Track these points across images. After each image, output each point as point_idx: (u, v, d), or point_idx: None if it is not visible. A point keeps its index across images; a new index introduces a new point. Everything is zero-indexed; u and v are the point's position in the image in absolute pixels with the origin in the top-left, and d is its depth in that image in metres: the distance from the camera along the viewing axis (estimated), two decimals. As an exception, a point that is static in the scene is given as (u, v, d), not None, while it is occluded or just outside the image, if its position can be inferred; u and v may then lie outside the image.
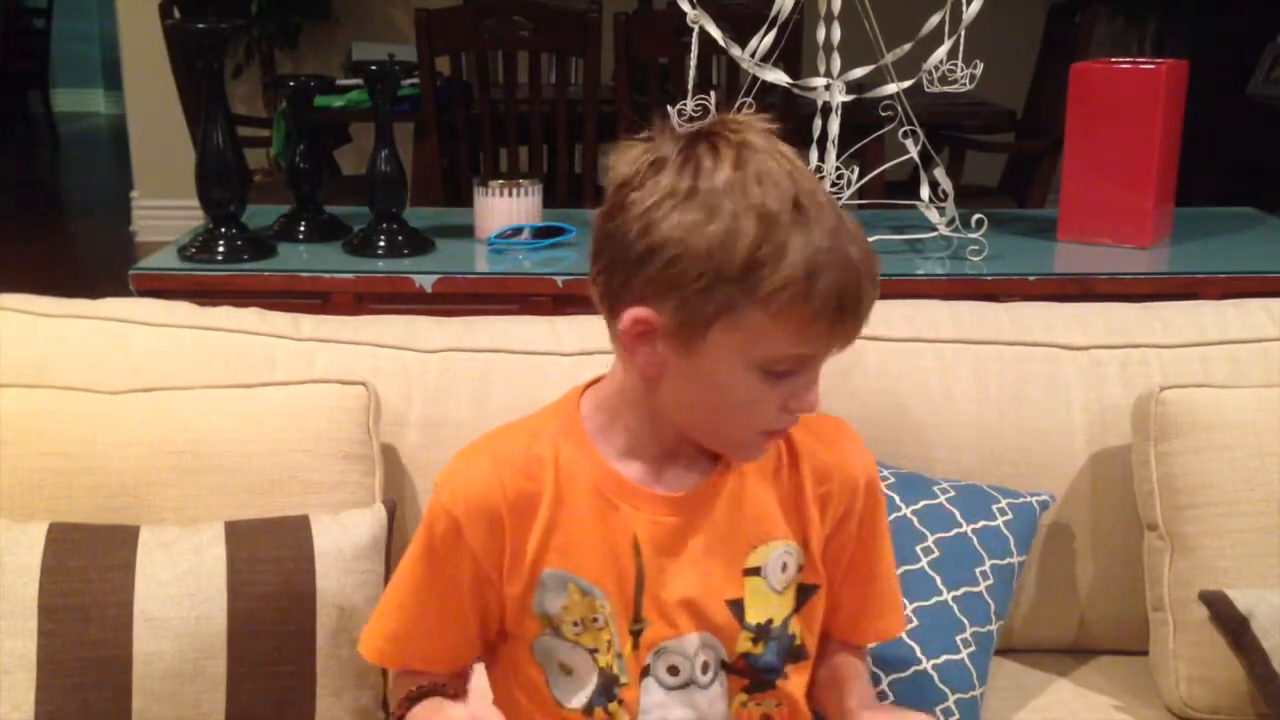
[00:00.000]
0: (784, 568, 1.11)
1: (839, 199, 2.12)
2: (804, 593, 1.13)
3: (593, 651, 1.09)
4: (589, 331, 1.55)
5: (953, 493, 1.48)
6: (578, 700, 1.10)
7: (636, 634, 1.09)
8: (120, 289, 1.90)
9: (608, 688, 1.09)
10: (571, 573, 1.08)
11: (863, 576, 1.18)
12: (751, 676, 1.11)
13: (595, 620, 1.08)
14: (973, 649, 1.40)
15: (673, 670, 1.09)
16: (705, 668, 1.10)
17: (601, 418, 1.10)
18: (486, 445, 1.13)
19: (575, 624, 1.09)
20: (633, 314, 0.99)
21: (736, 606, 1.09)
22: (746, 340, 0.98)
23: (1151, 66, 2.21)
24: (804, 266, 0.95)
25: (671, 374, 1.02)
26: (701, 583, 1.09)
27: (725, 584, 1.09)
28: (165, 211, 5.22)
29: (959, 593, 1.41)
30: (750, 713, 1.12)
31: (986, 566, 1.44)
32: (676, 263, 0.96)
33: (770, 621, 1.10)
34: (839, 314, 0.97)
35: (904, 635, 1.37)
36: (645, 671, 1.09)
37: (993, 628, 1.43)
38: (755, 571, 1.10)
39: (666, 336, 0.99)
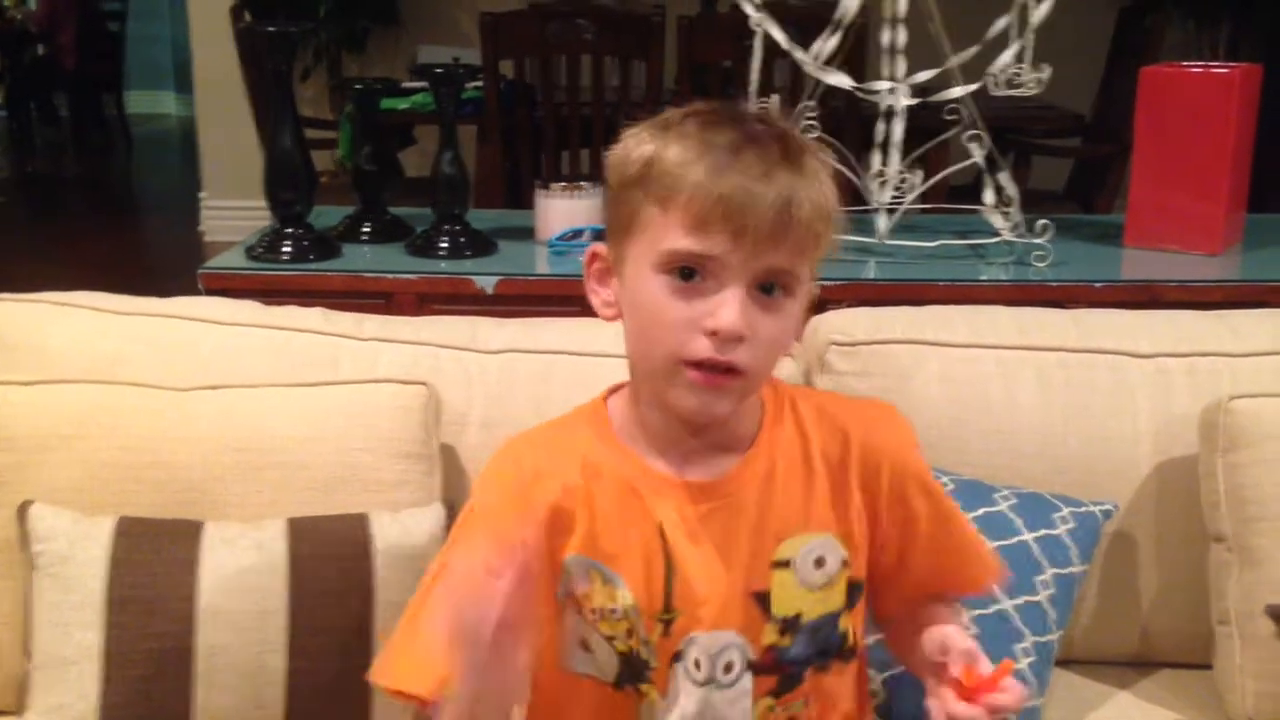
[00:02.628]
0: (820, 562, 1.09)
1: (901, 203, 2.11)
2: (855, 590, 1.12)
3: (610, 639, 1.09)
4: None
5: (1014, 500, 1.46)
6: (602, 673, 1.10)
7: (667, 623, 1.08)
8: (189, 288, 1.93)
9: (637, 669, 1.10)
10: (595, 559, 1.08)
11: (938, 546, 1.15)
12: (779, 672, 1.10)
13: (613, 611, 1.08)
14: (1033, 659, 1.38)
15: (696, 665, 1.09)
16: (729, 668, 1.09)
17: (625, 412, 1.12)
18: (521, 439, 1.17)
19: (593, 611, 1.09)
20: (589, 250, 1.10)
21: (762, 599, 1.08)
22: (648, 241, 1.02)
23: (1224, 71, 2.17)
24: (692, 160, 0.99)
25: (623, 312, 1.06)
26: (727, 574, 1.08)
27: (752, 576, 1.08)
28: (233, 212, 5.29)
29: (1019, 602, 1.40)
30: (776, 717, 1.11)
31: (1047, 575, 1.42)
32: (607, 189, 1.07)
33: (800, 616, 1.09)
34: (721, 213, 0.97)
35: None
36: (676, 657, 1.09)
37: (1053, 637, 1.41)
38: (785, 564, 1.09)
39: (612, 268, 1.07)
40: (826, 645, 1.11)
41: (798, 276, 1.01)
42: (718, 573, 1.08)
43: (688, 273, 1.00)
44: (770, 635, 1.09)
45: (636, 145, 1.04)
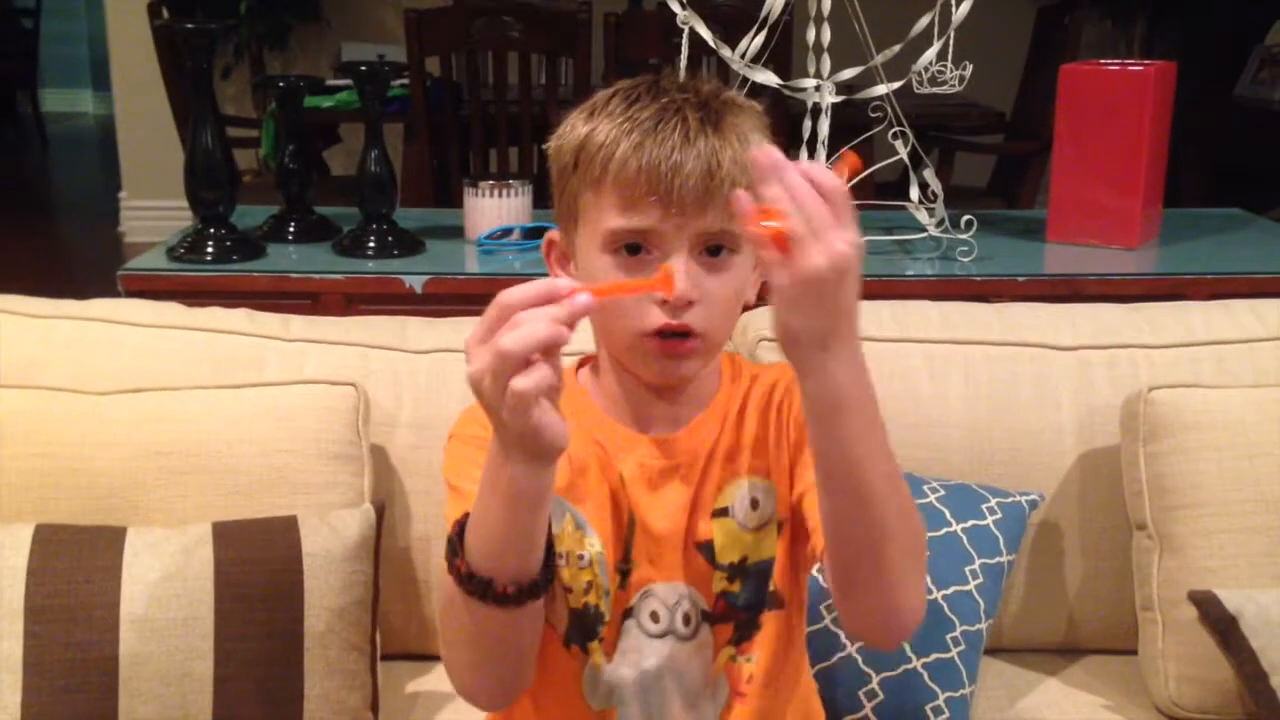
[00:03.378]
0: (754, 504, 1.11)
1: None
2: (782, 527, 1.12)
3: (567, 590, 1.10)
4: (581, 332, 1.54)
5: (942, 492, 1.48)
6: (555, 626, 1.10)
7: (624, 574, 1.10)
8: (109, 290, 1.89)
9: (587, 626, 1.11)
10: (572, 504, 1.11)
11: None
12: (734, 618, 1.11)
13: (581, 557, 1.10)
14: (963, 648, 1.40)
15: (654, 617, 1.11)
16: (686, 619, 1.11)
17: (591, 381, 1.15)
18: None
19: (561, 555, 1.10)
20: (546, 237, 1.12)
21: (707, 549, 1.10)
22: (591, 224, 1.04)
23: (1140, 68, 2.21)
24: (615, 139, 1.01)
25: None
26: (677, 525, 1.10)
27: (698, 526, 1.11)
28: (154, 212, 5.20)
29: (949, 592, 1.41)
30: (739, 668, 1.12)
31: (976, 566, 1.44)
32: (551, 178, 1.08)
33: (745, 559, 1.11)
34: (649, 186, 1.00)
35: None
36: (628, 614, 1.11)
37: (982, 627, 1.43)
38: (723, 512, 1.11)
39: (568, 253, 1.09)
40: (765, 591, 1.12)
41: (738, 233, 1.02)
42: (672, 524, 1.10)
43: (633, 248, 1.03)
44: (719, 583, 1.11)
45: (569, 131, 1.07)
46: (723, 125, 1.03)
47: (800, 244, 0.81)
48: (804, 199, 0.81)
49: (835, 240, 0.82)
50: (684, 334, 1.03)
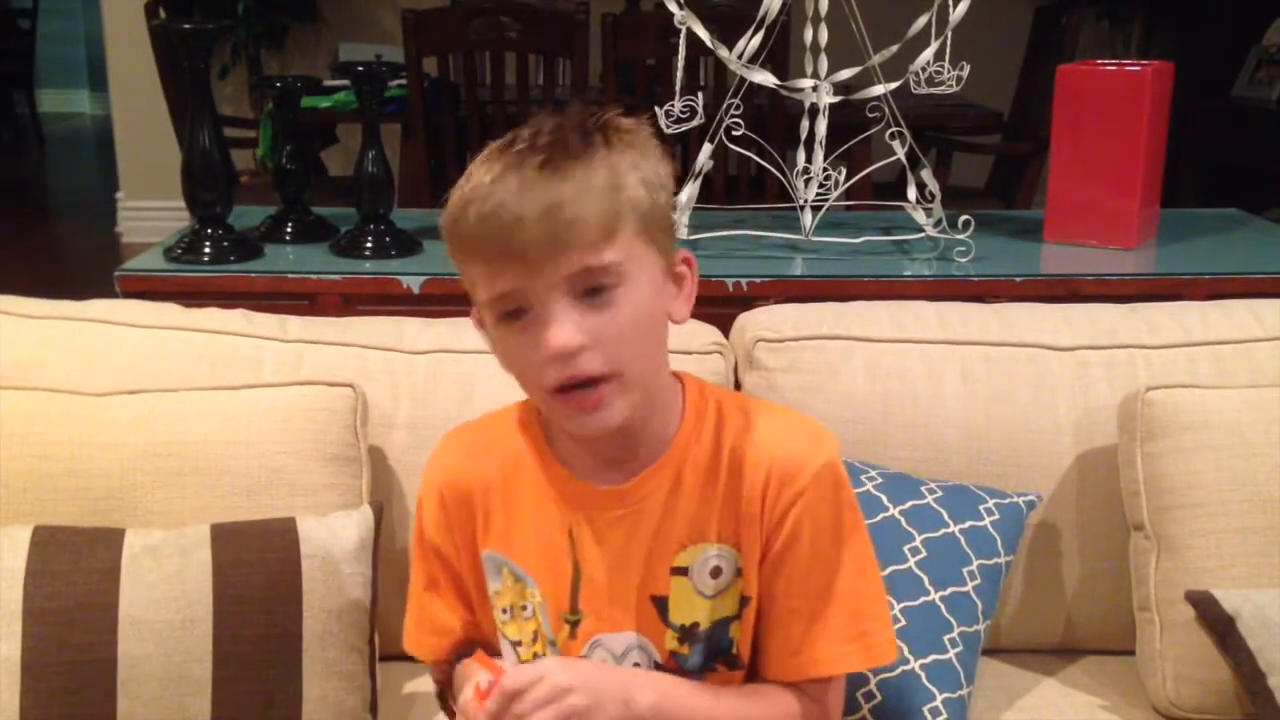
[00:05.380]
0: (716, 572, 1.08)
1: (826, 200, 2.13)
2: (745, 602, 1.10)
3: (516, 644, 1.12)
4: None
5: (940, 493, 1.48)
6: None
7: (574, 624, 1.10)
8: (106, 290, 1.89)
9: None
10: (508, 558, 1.10)
11: (813, 590, 1.07)
12: (684, 674, 1.10)
13: (524, 609, 1.11)
14: (960, 649, 1.40)
15: None
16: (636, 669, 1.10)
17: (548, 424, 1.13)
18: (453, 436, 1.19)
19: (505, 610, 1.11)
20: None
21: (661, 604, 1.08)
22: (468, 288, 1.05)
23: (1137, 69, 2.21)
24: (460, 205, 1.00)
25: None
26: (629, 578, 1.08)
27: (653, 580, 1.08)
28: (151, 213, 5.20)
29: (946, 593, 1.41)
30: None
31: (974, 566, 1.44)
32: None
33: (697, 625, 1.09)
34: (497, 248, 0.98)
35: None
36: None
37: (980, 628, 1.43)
38: (683, 571, 1.08)
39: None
40: (718, 649, 1.11)
41: (611, 267, 0.98)
42: (621, 576, 1.08)
43: (515, 312, 1.00)
44: (670, 642, 1.09)
45: (445, 210, 1.04)
46: (566, 164, 0.98)
47: None
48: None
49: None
50: (590, 383, 0.99)
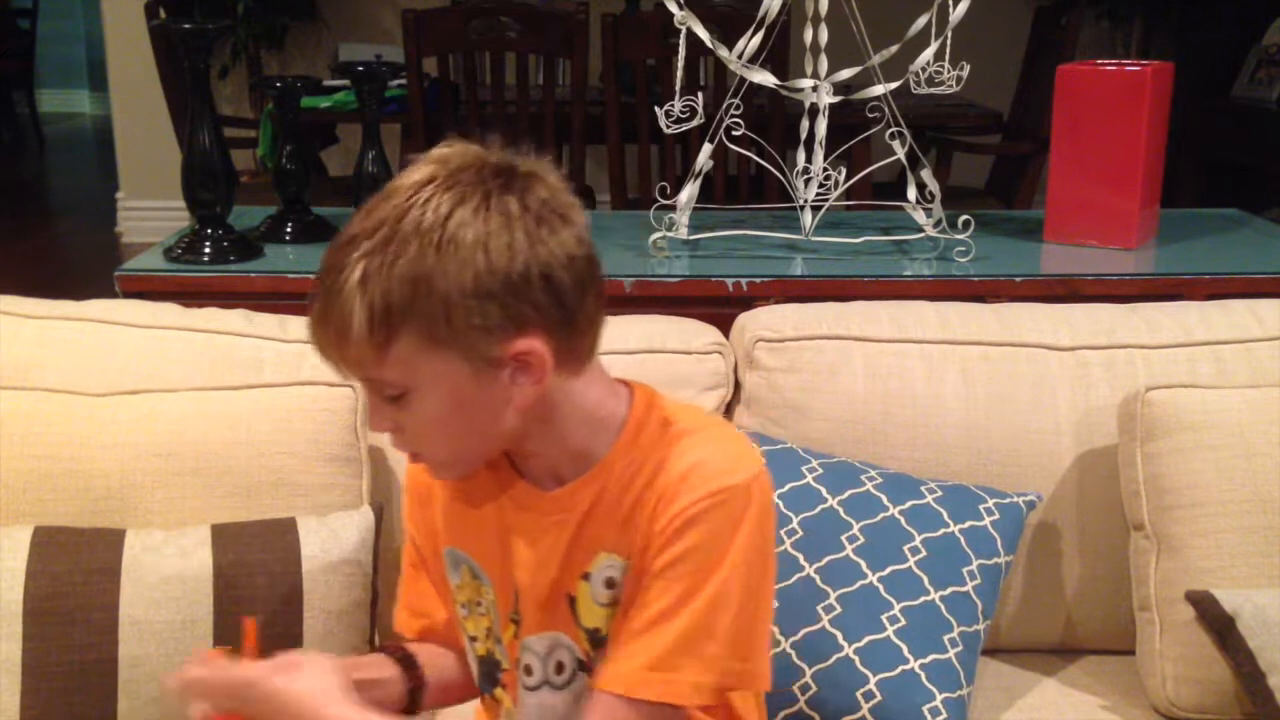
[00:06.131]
0: (610, 583, 1.08)
1: (826, 200, 2.13)
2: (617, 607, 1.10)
3: (473, 640, 1.15)
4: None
5: (940, 493, 1.48)
6: (475, 673, 1.18)
7: (517, 624, 1.12)
8: (106, 290, 1.89)
9: (491, 673, 1.15)
10: (467, 554, 1.14)
11: (653, 609, 1.03)
12: None
13: (479, 605, 1.14)
14: (960, 649, 1.40)
15: (528, 670, 1.12)
16: (560, 668, 1.11)
17: None
18: None
19: (464, 606, 1.15)
20: None
21: (572, 603, 1.10)
22: None
23: (1137, 68, 2.21)
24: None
25: None
26: (544, 578, 1.10)
27: (570, 582, 1.10)
28: (151, 212, 5.20)
29: (946, 592, 1.42)
30: None
31: (974, 566, 1.44)
32: None
33: (598, 630, 1.10)
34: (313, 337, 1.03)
35: (892, 634, 1.38)
36: (519, 663, 1.13)
37: (980, 627, 1.43)
38: (587, 577, 1.09)
39: None
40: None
41: (393, 381, 1.00)
42: (547, 578, 1.10)
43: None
44: (583, 642, 1.11)
45: None
46: (327, 307, 1.00)
47: None
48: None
49: None
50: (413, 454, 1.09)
